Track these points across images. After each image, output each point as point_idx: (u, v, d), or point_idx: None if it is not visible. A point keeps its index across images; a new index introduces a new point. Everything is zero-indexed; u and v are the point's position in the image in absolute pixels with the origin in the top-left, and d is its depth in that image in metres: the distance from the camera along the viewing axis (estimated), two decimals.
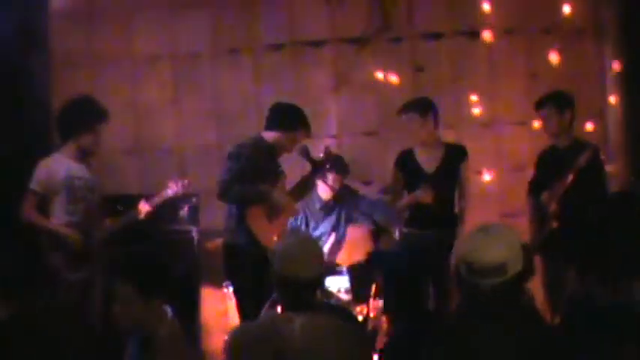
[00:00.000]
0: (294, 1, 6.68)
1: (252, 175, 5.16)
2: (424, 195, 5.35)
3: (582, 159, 5.22)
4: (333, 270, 5.90)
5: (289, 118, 5.32)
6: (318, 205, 6.20)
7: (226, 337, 3.53)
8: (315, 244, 3.57)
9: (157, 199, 5.30)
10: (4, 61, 5.90)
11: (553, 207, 5.33)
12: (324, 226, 6.22)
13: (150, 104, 6.62)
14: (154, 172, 6.36)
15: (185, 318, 5.03)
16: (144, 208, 5.26)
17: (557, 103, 5.45)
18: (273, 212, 5.26)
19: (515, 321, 2.96)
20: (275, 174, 5.36)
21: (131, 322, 3.40)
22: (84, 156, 5.19)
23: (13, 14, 5.92)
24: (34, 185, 5.05)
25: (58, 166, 5.10)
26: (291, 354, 3.25)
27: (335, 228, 6.22)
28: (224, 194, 5.13)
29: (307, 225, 6.21)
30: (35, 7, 6.15)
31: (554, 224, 5.35)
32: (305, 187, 5.60)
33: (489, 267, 2.92)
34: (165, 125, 6.64)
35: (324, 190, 6.14)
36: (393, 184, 5.71)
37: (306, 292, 3.36)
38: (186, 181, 5.39)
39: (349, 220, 6.27)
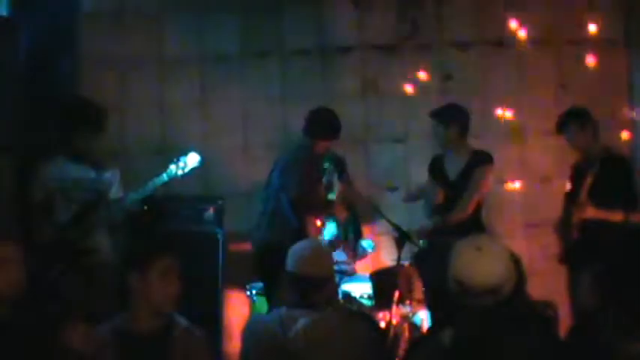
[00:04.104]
0: (323, 7, 6.70)
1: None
2: (435, 197, 5.42)
3: (593, 170, 5.19)
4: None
5: (326, 127, 5.59)
6: None
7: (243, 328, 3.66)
8: (324, 247, 3.88)
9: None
10: (34, 62, 5.97)
11: (576, 219, 5.30)
12: (330, 231, 6.17)
13: (177, 106, 6.66)
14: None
15: (208, 321, 5.09)
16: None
17: (577, 121, 5.42)
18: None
19: (518, 333, 2.88)
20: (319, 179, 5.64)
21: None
22: (84, 157, 5.21)
23: (44, 15, 5.99)
24: (32, 195, 5.16)
25: (53, 170, 5.17)
26: (290, 354, 3.33)
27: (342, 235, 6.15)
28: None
29: None
30: (66, 9, 6.20)
31: (576, 235, 5.32)
32: None
33: (484, 289, 2.84)
34: (191, 127, 6.67)
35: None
36: (424, 187, 5.74)
37: (314, 290, 3.46)
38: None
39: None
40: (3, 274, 3.23)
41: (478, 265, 2.85)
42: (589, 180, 5.18)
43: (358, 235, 6.30)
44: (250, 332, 3.58)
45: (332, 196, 5.89)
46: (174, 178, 5.13)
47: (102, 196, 5.22)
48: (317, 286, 3.52)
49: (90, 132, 5.16)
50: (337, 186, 5.99)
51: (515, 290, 2.91)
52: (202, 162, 5.20)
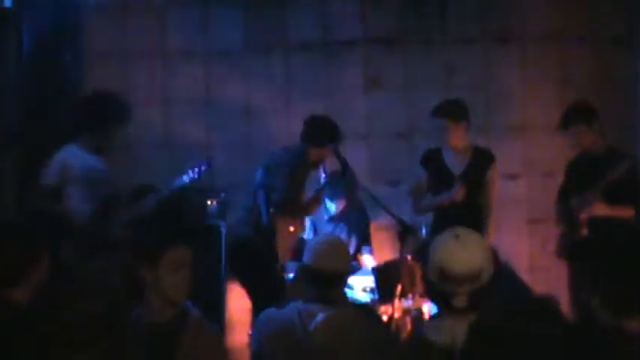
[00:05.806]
0: (327, 1, 6.69)
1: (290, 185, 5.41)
2: (457, 193, 5.38)
3: (619, 170, 5.14)
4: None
5: (319, 135, 5.45)
6: (325, 217, 6.22)
7: (255, 321, 3.63)
8: (342, 242, 3.75)
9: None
10: (38, 56, 5.98)
11: (584, 215, 5.26)
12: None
13: (181, 100, 6.67)
14: (183, 166, 6.39)
15: (210, 313, 5.09)
16: None
17: (584, 119, 5.33)
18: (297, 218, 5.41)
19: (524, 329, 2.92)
20: (303, 184, 5.57)
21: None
22: (100, 148, 5.25)
23: (48, 7, 6.00)
24: (46, 180, 5.14)
25: (73, 157, 5.18)
26: (309, 348, 3.31)
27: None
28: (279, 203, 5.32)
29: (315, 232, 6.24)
30: (69, 1, 6.21)
31: (584, 232, 5.29)
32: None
33: (464, 276, 2.93)
34: (195, 120, 6.68)
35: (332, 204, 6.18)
36: (417, 182, 5.71)
37: (332, 285, 3.44)
38: (203, 167, 5.39)
39: (359, 233, 6.25)
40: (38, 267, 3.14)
41: (457, 252, 2.95)
42: (607, 179, 5.14)
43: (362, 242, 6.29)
44: (265, 326, 3.52)
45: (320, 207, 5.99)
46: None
47: (116, 188, 5.29)
48: (334, 281, 3.49)
49: (117, 125, 5.21)
50: (333, 205, 6.02)
51: (493, 279, 2.97)
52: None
